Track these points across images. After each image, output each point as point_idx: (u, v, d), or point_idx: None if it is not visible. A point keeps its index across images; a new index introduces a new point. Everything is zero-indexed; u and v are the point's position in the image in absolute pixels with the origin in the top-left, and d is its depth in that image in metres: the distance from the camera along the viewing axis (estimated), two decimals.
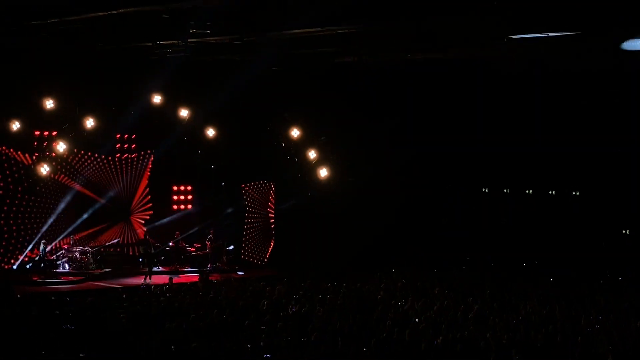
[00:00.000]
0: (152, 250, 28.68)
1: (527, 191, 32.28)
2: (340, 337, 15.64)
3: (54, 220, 28.32)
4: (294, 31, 21.06)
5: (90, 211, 29.19)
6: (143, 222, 30.45)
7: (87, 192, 29.20)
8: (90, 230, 28.96)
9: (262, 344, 15.27)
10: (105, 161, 29.68)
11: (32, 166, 27.09)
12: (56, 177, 28.05)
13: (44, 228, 27.93)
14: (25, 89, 26.24)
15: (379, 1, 17.90)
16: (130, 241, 30.15)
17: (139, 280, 26.39)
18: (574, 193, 31.65)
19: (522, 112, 29.04)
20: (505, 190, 32.29)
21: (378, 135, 30.58)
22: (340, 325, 16.94)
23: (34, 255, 27.22)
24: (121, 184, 30.13)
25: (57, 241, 28.21)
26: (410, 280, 25.01)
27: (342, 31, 20.62)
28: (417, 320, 17.96)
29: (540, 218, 31.48)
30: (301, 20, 19.58)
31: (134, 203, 30.50)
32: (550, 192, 31.87)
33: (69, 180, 28.73)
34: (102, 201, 29.57)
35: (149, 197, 30.68)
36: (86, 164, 29.22)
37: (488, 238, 31.46)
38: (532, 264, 29.77)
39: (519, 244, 30.71)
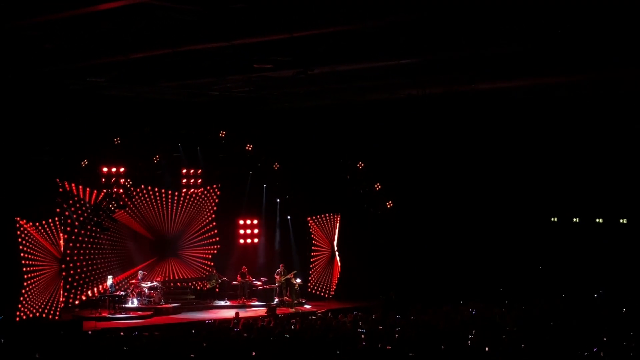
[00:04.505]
0: (218, 284, 29.00)
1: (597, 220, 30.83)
2: None
3: (120, 255, 28.64)
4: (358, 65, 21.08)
5: (148, 246, 29.64)
6: (210, 256, 30.54)
7: (144, 228, 29.53)
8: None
9: None
10: (169, 196, 29.92)
11: (99, 202, 27.38)
12: (121, 212, 28.23)
13: (110, 263, 28.25)
14: (93, 125, 26.71)
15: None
16: (186, 276, 30.24)
17: (207, 315, 26.39)
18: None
19: None
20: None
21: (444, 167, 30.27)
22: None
23: (102, 291, 27.45)
24: (178, 219, 30.30)
25: (123, 275, 28.44)
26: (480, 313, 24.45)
27: (406, 63, 20.55)
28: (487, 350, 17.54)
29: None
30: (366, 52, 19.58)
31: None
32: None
33: (133, 215, 29.01)
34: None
35: (215, 231, 30.77)
36: (150, 199, 29.50)
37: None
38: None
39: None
